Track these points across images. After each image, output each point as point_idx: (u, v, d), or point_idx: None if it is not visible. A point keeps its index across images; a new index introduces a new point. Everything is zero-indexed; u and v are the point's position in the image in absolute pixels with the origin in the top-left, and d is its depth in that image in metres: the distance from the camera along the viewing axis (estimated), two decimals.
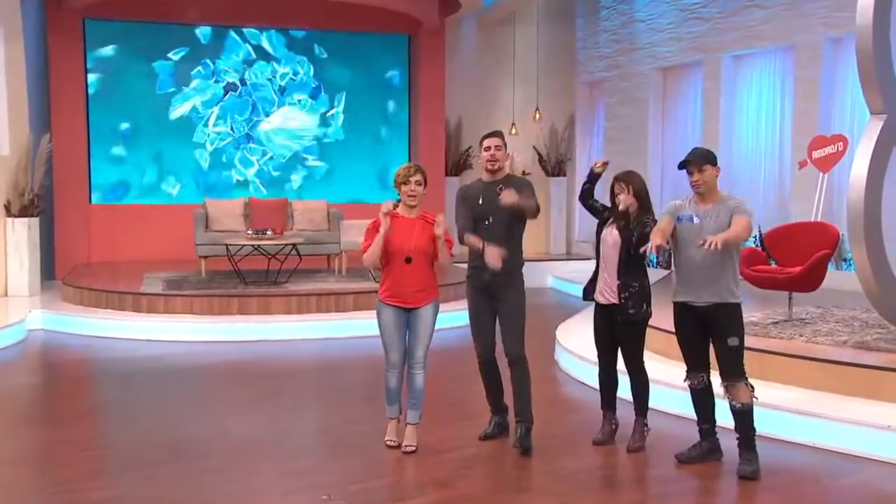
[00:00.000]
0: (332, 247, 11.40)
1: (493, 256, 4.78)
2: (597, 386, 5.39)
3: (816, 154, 9.54)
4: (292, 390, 6.77)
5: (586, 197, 5.17)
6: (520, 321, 5.02)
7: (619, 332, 5.07)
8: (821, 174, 9.47)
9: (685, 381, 4.93)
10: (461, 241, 5.09)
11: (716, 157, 4.74)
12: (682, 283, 4.75)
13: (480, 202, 5.04)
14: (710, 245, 4.37)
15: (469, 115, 14.64)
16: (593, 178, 5.17)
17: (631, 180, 4.97)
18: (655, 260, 12.67)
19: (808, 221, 8.46)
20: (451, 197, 13.66)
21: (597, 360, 5.29)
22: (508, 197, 4.81)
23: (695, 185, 4.68)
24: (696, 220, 4.66)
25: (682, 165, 4.71)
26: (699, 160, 4.65)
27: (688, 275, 4.71)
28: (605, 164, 5.16)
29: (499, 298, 5.01)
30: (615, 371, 5.23)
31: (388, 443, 5.09)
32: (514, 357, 5.02)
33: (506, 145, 5.10)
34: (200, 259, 10.96)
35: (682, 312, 4.78)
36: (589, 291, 5.17)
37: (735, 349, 4.65)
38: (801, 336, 6.60)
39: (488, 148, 5.07)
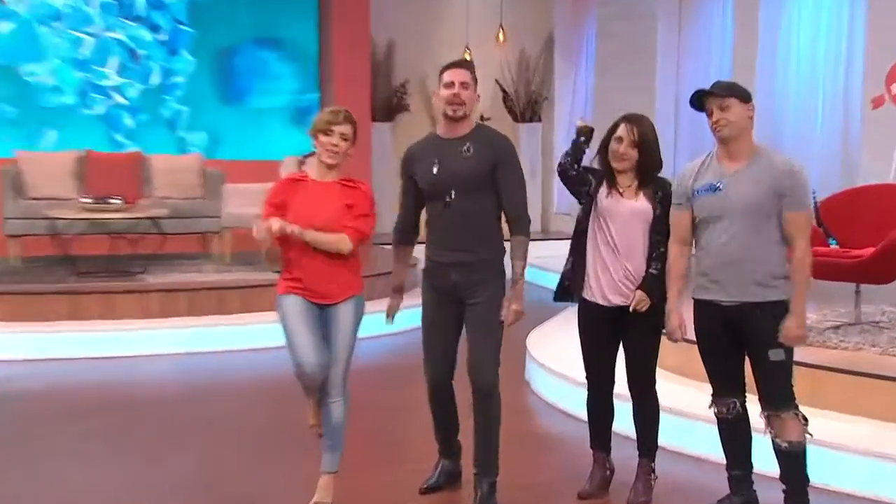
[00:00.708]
0: (210, 222, 11.35)
1: (515, 311, 4.99)
2: (584, 416, 5.42)
3: None
4: (145, 426, 6.70)
5: (575, 158, 5.14)
6: (496, 337, 5.02)
7: (632, 344, 5.13)
8: None
9: (710, 408, 4.94)
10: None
11: (747, 92, 4.72)
12: (706, 273, 4.76)
13: (436, 170, 4.99)
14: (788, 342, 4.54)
15: (404, 38, 14.68)
16: (578, 148, 5.16)
17: (639, 123, 5.03)
18: None
19: (883, 184, 8.50)
20: (379, 150, 13.69)
21: (585, 380, 5.31)
22: (514, 315, 4.99)
23: (715, 127, 4.67)
24: (720, 186, 4.66)
25: (695, 100, 4.71)
26: (722, 91, 4.67)
27: (713, 262, 4.72)
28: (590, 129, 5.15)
29: (469, 303, 5.01)
30: (611, 396, 5.27)
31: (315, 430, 5.10)
32: (483, 388, 5.00)
33: (476, 82, 5.04)
34: (10, 239, 10.84)
35: (706, 314, 4.79)
36: (571, 290, 5.20)
37: (780, 366, 4.65)
38: (872, 346, 6.63)
39: (450, 84, 4.97)
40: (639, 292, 4.95)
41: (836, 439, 5.43)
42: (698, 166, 4.79)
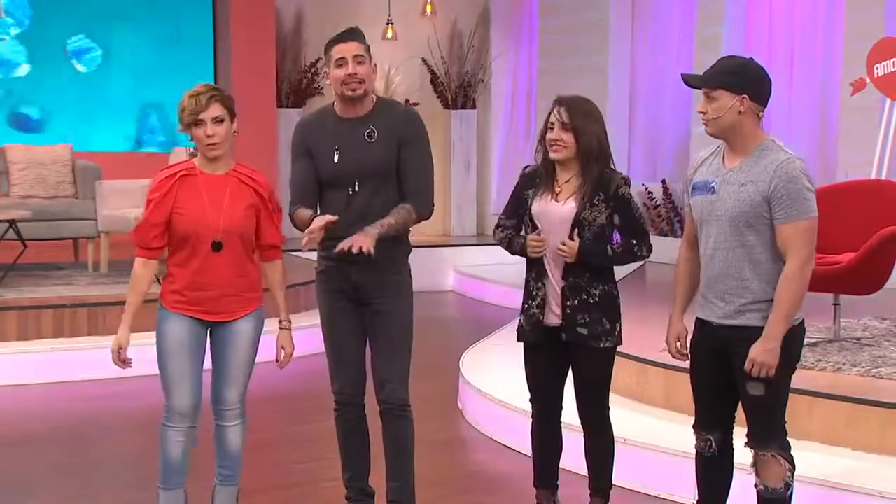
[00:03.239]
0: (83, 225, 11.19)
1: (361, 240, 4.76)
2: (528, 450, 5.42)
3: (880, 69, 9.63)
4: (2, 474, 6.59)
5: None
6: (404, 344, 5.09)
7: (581, 364, 5.11)
8: (887, 101, 9.61)
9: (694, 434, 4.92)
10: (291, 218, 5.12)
11: (748, 76, 4.58)
12: (700, 288, 4.79)
13: (338, 157, 5.05)
14: (755, 370, 4.48)
15: (315, 9, 14.60)
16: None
17: (570, 102, 5.01)
18: None
19: (865, 180, 8.52)
20: (287, 140, 13.48)
21: (530, 407, 5.31)
22: (360, 242, 4.76)
23: (703, 119, 4.66)
24: (714, 186, 4.64)
25: (687, 82, 4.72)
26: (710, 77, 4.60)
27: (702, 274, 4.75)
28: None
29: (373, 307, 5.05)
30: (558, 425, 5.28)
31: None
32: (392, 405, 5.06)
33: (370, 54, 5.10)
34: None
35: (698, 334, 4.81)
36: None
37: (760, 402, 4.61)
38: (853, 366, 6.63)
39: (342, 61, 5.02)
40: (570, 242, 4.91)
41: (816, 474, 5.42)
42: (703, 158, 4.79)
